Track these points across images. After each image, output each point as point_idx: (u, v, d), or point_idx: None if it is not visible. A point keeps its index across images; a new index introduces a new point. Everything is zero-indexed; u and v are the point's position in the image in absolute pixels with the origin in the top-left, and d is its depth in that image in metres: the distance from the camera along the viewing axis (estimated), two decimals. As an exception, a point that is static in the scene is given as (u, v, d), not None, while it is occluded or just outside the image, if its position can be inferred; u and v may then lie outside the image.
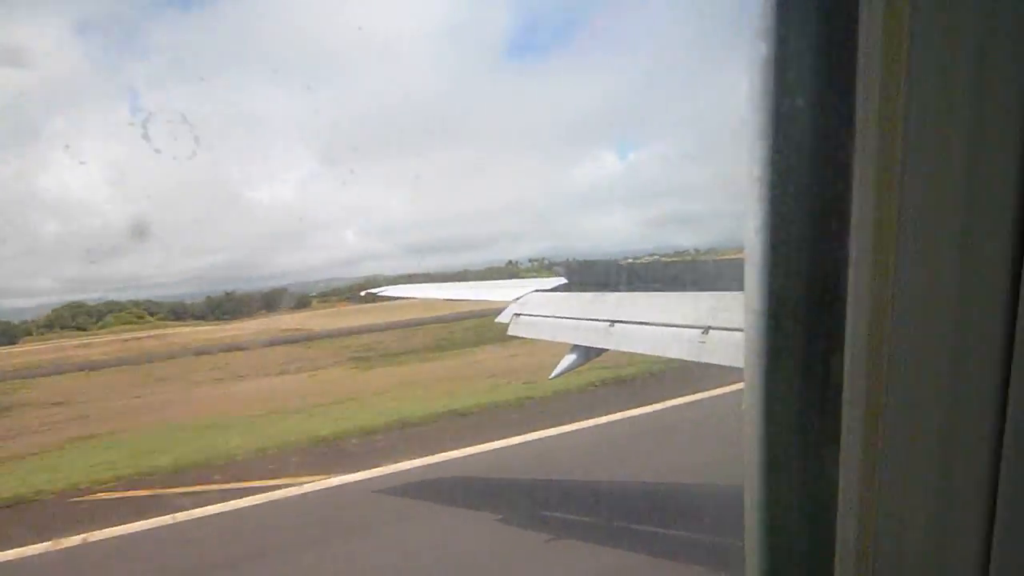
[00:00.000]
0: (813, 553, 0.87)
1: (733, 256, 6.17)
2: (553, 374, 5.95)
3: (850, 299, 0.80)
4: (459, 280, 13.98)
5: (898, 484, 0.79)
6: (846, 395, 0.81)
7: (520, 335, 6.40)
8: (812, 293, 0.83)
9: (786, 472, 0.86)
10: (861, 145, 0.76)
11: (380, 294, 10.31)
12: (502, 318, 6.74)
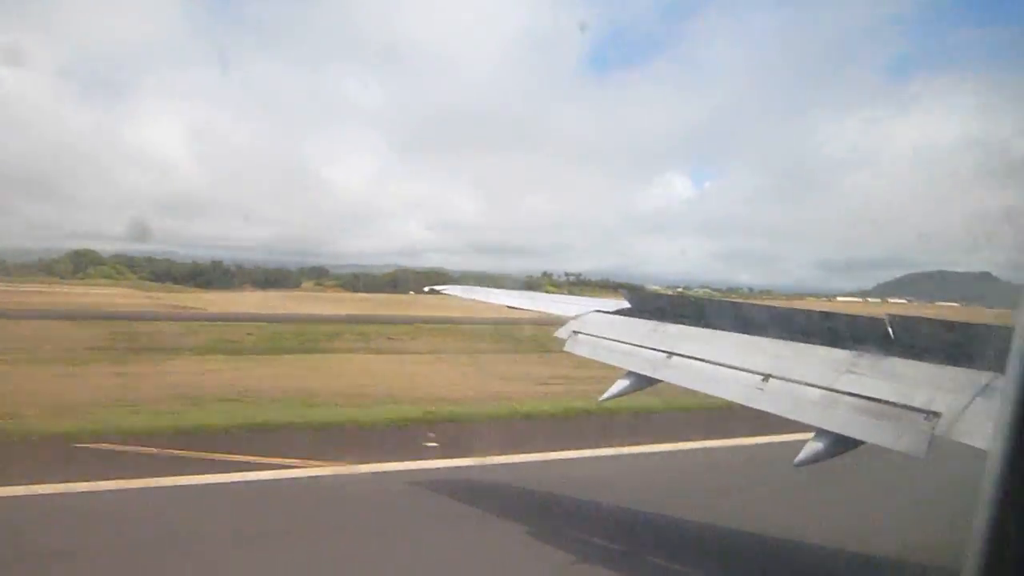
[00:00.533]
0: None
1: (796, 303, 6.11)
2: (603, 397, 6.00)
3: None
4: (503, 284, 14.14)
5: None
6: None
7: (576, 352, 6.48)
8: None
9: None
10: None
11: (441, 291, 10.58)
12: (560, 333, 6.83)
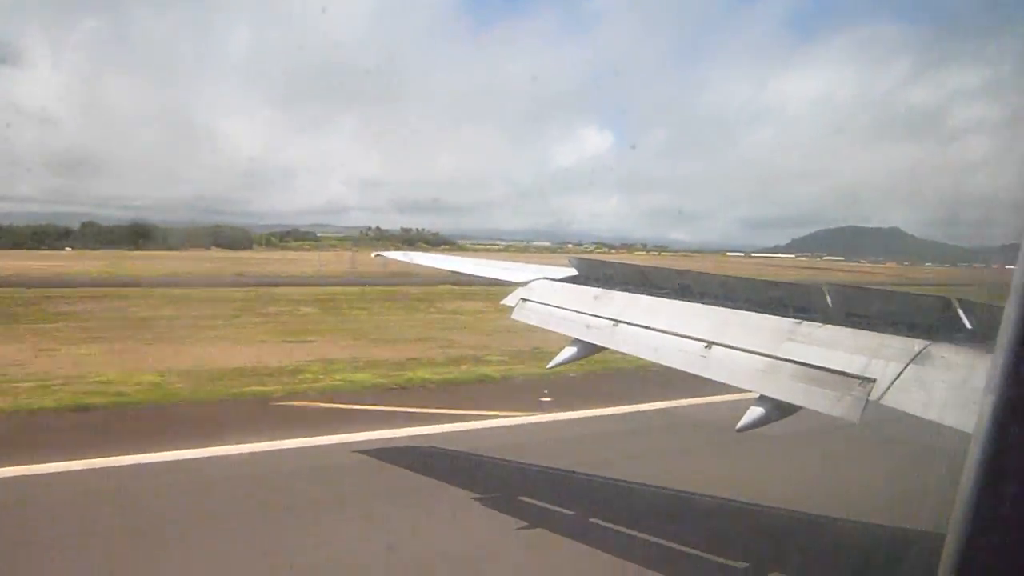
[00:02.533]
0: None
1: (742, 273, 6.23)
2: (550, 364, 6.02)
3: None
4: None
5: None
6: None
7: (524, 320, 6.45)
8: None
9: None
10: None
11: (388, 257, 10.40)
12: (508, 301, 6.79)
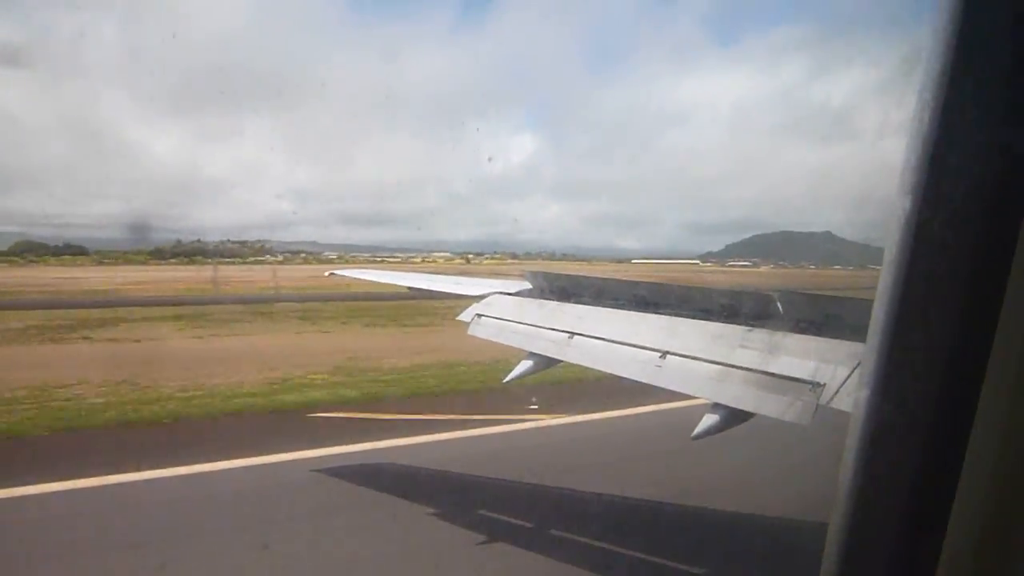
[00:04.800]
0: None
1: (694, 284, 6.31)
2: (507, 378, 5.97)
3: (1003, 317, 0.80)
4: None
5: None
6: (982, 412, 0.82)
7: (480, 335, 6.40)
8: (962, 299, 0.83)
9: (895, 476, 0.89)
10: None
11: (341, 274, 10.24)
12: (463, 316, 6.73)
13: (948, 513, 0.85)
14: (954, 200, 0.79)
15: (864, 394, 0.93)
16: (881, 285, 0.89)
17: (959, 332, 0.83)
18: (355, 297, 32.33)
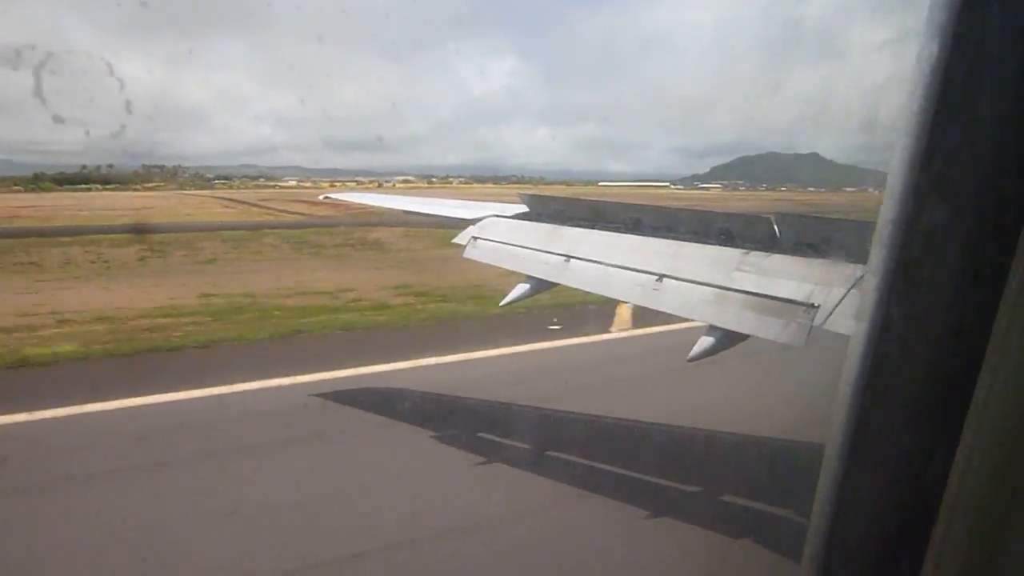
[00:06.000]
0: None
1: (693, 207, 6.25)
2: (503, 302, 6.00)
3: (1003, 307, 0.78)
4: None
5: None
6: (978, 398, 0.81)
7: (476, 259, 6.39)
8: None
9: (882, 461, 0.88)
10: None
11: (336, 198, 10.12)
12: (459, 239, 6.70)
13: (952, 453, 0.84)
14: (953, 174, 0.77)
15: (865, 309, 0.89)
16: (872, 259, 0.87)
17: (970, 259, 0.80)
18: (347, 222, 31.97)
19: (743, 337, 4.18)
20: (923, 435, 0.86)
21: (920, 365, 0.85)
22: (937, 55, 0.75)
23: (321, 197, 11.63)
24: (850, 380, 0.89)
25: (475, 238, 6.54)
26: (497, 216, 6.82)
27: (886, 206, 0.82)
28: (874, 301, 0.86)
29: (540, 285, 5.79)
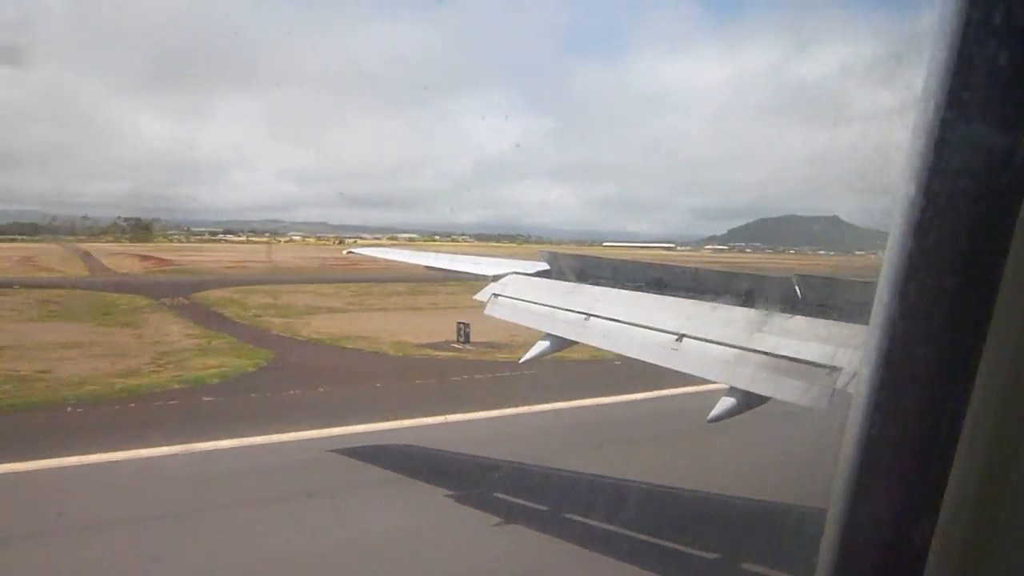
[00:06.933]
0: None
1: (713, 266, 6.27)
2: (523, 359, 6.01)
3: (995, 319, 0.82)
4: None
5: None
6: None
7: (496, 315, 6.43)
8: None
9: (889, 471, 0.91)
10: None
11: (359, 252, 10.31)
12: (480, 296, 6.75)
13: (943, 492, 0.87)
14: (954, 192, 0.81)
15: (864, 374, 0.94)
16: (884, 271, 0.92)
17: (956, 320, 0.86)
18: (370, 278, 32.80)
19: (764, 399, 4.13)
20: (926, 443, 0.89)
21: (915, 418, 0.89)
22: (936, 60, 0.80)
23: (345, 252, 11.86)
24: (861, 395, 0.93)
25: (495, 295, 6.58)
26: (517, 273, 6.87)
27: (884, 263, 0.88)
28: (883, 304, 0.92)
29: (560, 342, 5.80)
